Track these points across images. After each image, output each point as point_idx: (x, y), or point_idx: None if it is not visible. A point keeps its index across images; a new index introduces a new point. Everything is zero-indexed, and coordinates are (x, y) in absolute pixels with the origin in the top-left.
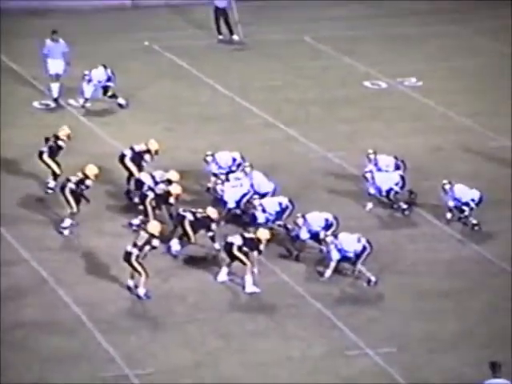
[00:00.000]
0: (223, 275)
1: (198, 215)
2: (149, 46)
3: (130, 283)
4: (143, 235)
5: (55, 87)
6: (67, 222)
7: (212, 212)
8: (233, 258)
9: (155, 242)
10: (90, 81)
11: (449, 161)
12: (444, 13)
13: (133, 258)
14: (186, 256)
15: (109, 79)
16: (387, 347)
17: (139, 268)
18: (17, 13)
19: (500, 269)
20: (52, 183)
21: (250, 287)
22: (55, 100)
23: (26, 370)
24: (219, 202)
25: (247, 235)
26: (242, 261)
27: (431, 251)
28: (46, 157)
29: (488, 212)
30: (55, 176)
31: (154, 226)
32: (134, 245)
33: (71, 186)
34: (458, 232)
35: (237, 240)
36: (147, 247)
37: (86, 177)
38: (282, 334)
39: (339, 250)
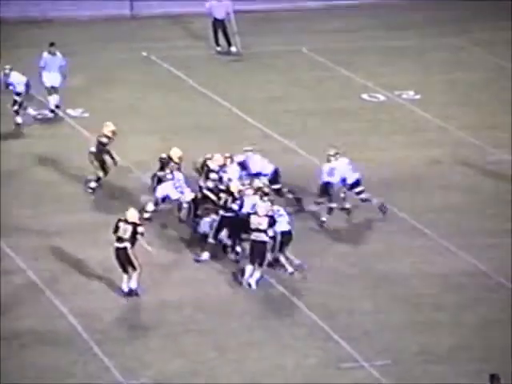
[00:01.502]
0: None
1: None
2: (147, 56)
3: (125, 287)
4: (126, 227)
5: (51, 99)
6: (150, 207)
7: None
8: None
9: (141, 229)
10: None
11: (446, 174)
12: (442, 25)
13: (129, 252)
14: (182, 265)
15: (20, 92)
16: (382, 359)
17: (135, 261)
18: (16, 22)
19: (496, 282)
20: (93, 184)
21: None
22: (52, 111)
23: (22, 379)
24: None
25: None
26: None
27: (427, 264)
28: (93, 158)
29: (485, 225)
30: (98, 179)
31: (133, 214)
32: (121, 239)
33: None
34: (454, 245)
35: None
36: (138, 236)
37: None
38: (277, 345)
39: None
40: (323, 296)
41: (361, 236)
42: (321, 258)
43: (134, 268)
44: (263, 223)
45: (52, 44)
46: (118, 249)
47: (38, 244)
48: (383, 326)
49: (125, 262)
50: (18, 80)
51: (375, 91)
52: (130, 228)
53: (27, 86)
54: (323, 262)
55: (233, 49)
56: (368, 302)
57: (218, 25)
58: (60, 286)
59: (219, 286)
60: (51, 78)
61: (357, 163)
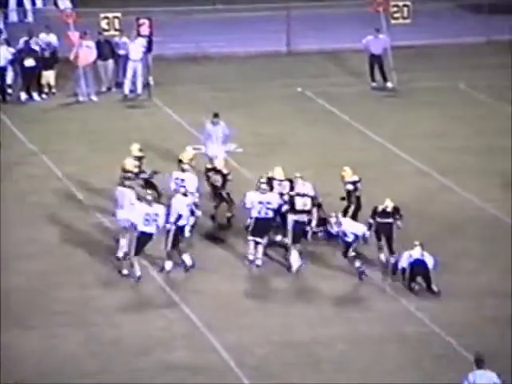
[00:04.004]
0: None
1: None
2: (302, 92)
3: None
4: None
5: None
6: None
7: None
8: None
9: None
10: None
11: None
12: None
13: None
14: (332, 301)
15: None
16: None
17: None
18: (173, 59)
19: None
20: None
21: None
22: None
23: None
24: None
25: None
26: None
27: None
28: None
29: None
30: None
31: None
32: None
33: None
34: None
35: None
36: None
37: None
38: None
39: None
40: (481, 337)
41: None
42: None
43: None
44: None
45: (216, 115)
46: None
47: (190, 279)
48: None
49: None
50: None
51: None
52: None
53: None
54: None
55: (388, 84)
56: None
57: (375, 60)
58: (212, 321)
59: (372, 324)
60: (214, 149)
61: None
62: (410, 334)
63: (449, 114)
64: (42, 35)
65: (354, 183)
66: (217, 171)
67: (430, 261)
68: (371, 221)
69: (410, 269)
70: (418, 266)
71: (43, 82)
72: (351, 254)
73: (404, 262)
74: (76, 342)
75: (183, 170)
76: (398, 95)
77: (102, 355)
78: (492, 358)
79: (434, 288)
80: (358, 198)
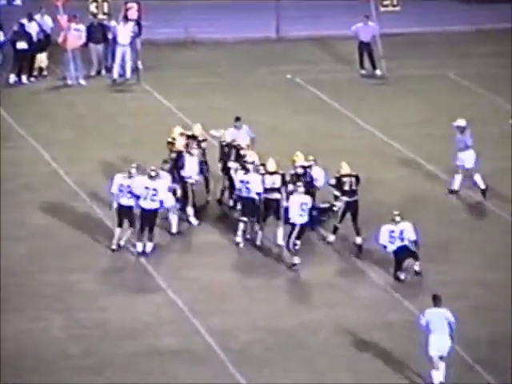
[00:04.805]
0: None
1: None
2: (291, 78)
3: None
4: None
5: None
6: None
7: None
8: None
9: None
10: None
11: None
12: None
13: None
14: (321, 286)
15: None
16: None
17: None
18: (163, 44)
19: None
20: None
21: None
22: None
23: None
24: None
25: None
26: None
27: None
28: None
29: None
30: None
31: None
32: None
33: None
34: None
35: None
36: None
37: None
38: (414, 371)
39: None
40: (467, 325)
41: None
42: None
43: None
44: None
45: (238, 118)
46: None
47: (179, 263)
48: None
49: None
50: None
51: None
52: None
53: None
54: None
55: (377, 72)
56: None
57: (364, 48)
58: (198, 306)
59: (357, 311)
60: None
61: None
62: (396, 322)
63: (436, 101)
64: (37, 17)
65: (304, 168)
66: (228, 146)
67: (411, 234)
68: (338, 194)
69: (394, 257)
70: (402, 252)
71: (36, 64)
72: (295, 245)
73: (384, 239)
74: (61, 326)
75: (190, 154)
76: (386, 83)
77: (86, 339)
78: (478, 346)
79: (417, 268)
80: (307, 184)
